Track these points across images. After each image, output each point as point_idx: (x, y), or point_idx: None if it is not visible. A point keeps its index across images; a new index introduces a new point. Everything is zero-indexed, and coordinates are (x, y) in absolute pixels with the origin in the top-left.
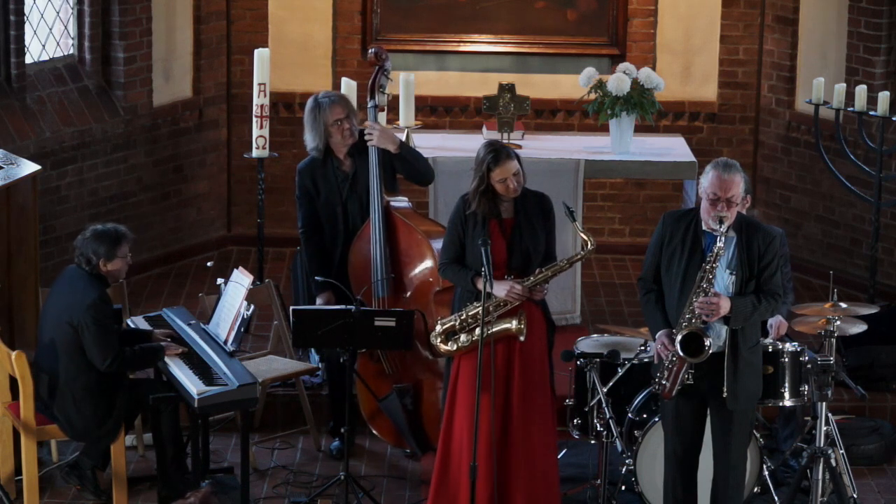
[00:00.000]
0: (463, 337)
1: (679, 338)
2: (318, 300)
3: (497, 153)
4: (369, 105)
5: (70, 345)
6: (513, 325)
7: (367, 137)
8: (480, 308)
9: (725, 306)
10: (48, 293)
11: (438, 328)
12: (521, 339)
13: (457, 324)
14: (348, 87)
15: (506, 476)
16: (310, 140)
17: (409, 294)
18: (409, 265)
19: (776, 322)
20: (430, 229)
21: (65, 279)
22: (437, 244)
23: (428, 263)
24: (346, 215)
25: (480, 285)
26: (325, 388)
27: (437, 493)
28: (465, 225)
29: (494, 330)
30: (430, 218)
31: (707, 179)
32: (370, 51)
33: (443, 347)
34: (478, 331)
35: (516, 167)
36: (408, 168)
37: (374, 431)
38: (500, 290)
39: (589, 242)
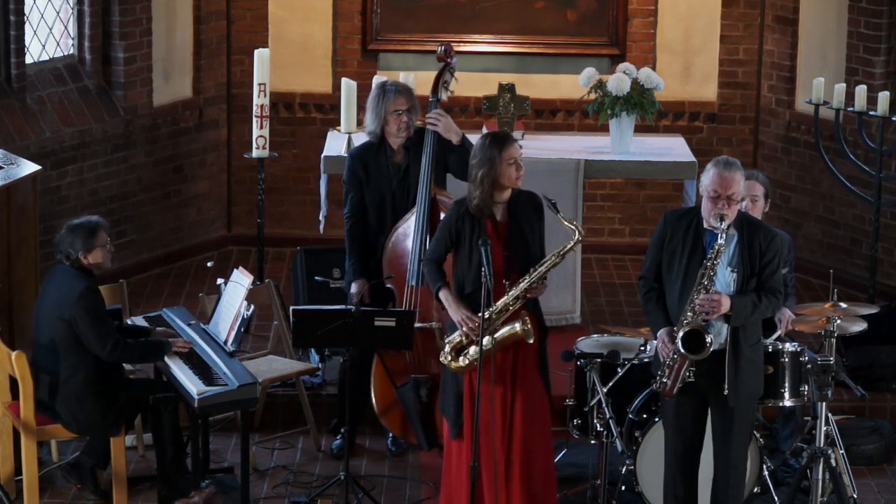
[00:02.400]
0: (472, 350)
1: (680, 335)
2: (353, 287)
3: (504, 136)
4: (431, 99)
5: (66, 340)
6: (517, 327)
7: (432, 122)
8: (484, 316)
9: (726, 304)
10: (38, 295)
11: (447, 347)
12: (530, 341)
13: (463, 339)
14: (348, 87)
15: (508, 478)
16: (369, 123)
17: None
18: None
19: (785, 317)
20: None
21: (52, 279)
22: None
23: None
24: (394, 206)
25: (442, 297)
26: (325, 388)
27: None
28: (459, 229)
29: (502, 335)
30: None
31: (708, 177)
32: (440, 47)
33: (454, 365)
34: (485, 340)
35: (520, 150)
36: (465, 161)
37: (385, 423)
38: (455, 315)
39: (577, 231)
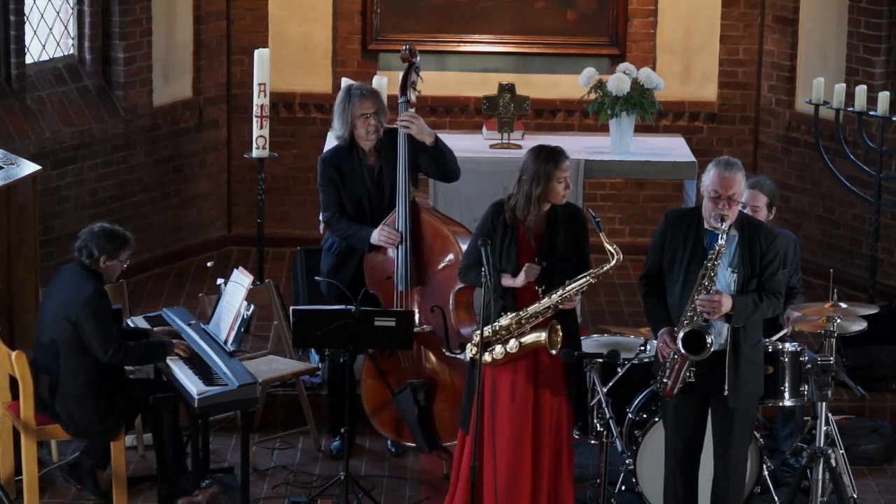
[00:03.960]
0: (498, 349)
1: (681, 335)
2: (374, 235)
3: (559, 151)
4: (400, 101)
5: (69, 342)
6: (543, 336)
7: (404, 125)
8: (511, 316)
9: (727, 304)
10: (44, 294)
11: (474, 339)
12: (553, 351)
13: (491, 335)
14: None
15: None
16: (337, 128)
17: (429, 290)
18: (433, 261)
19: (792, 317)
20: (456, 229)
21: (60, 278)
22: (464, 243)
23: (452, 260)
24: (371, 207)
25: (506, 282)
26: (325, 388)
27: None
28: (493, 234)
29: (527, 341)
30: (451, 217)
31: (709, 177)
32: (404, 48)
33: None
34: (512, 342)
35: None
36: (439, 161)
37: (375, 425)
38: (519, 279)
39: (614, 254)
